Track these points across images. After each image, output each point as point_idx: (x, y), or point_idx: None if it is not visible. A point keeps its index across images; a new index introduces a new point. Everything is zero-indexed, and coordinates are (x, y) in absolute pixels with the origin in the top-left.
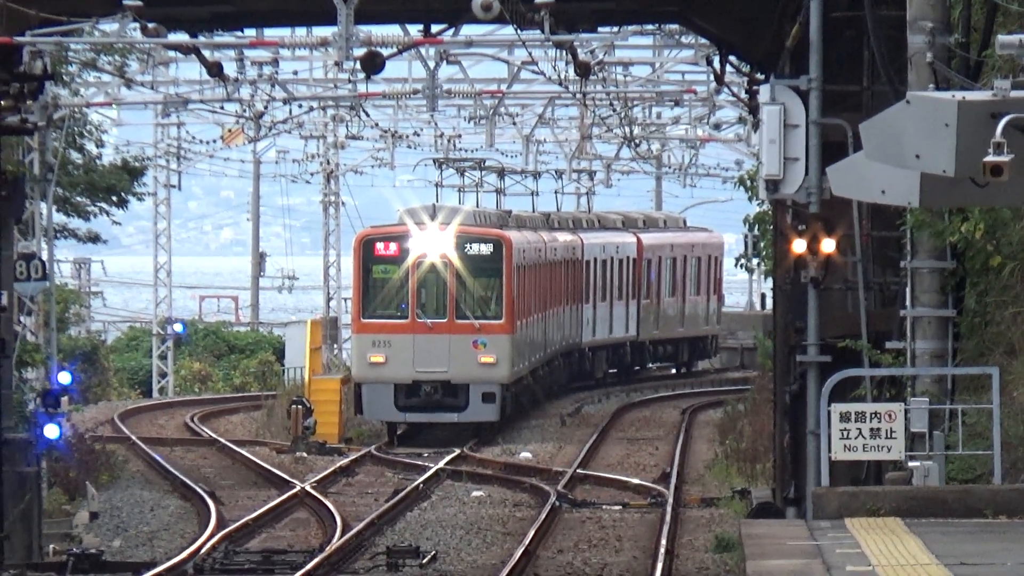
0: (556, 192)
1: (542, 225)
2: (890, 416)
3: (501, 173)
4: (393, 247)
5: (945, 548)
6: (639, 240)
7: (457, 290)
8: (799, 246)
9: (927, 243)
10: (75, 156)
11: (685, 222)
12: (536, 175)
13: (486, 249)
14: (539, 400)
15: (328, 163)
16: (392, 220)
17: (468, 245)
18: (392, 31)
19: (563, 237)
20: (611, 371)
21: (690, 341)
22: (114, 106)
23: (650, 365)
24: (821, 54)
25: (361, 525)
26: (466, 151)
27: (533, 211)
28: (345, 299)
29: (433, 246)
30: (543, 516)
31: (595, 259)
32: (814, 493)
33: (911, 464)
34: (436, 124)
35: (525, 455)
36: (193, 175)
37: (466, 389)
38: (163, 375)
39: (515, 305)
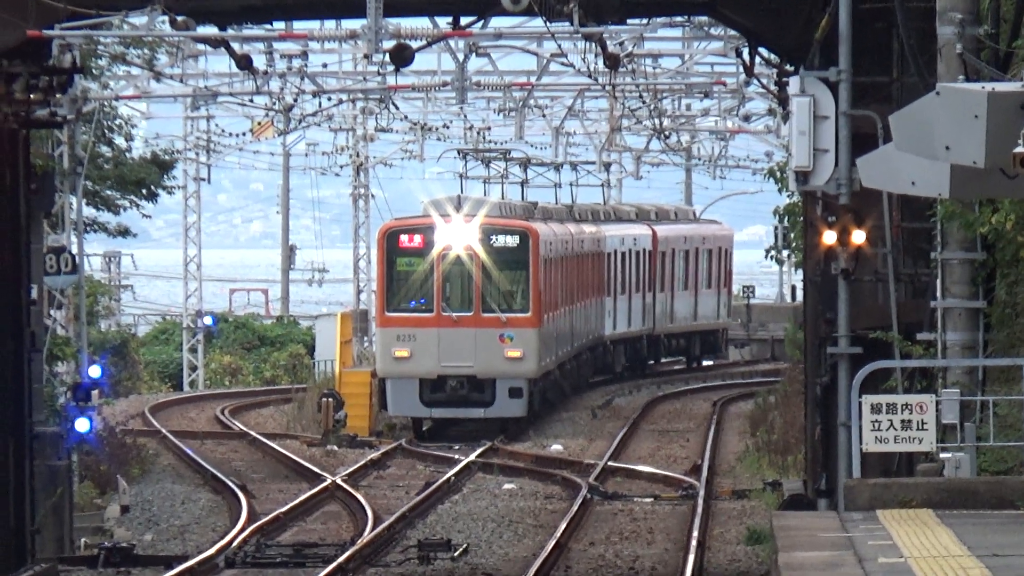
0: (571, 184)
1: (567, 217)
2: (921, 408)
3: (526, 164)
4: (418, 239)
5: (977, 539)
6: (654, 232)
7: (483, 283)
8: (829, 238)
9: (957, 234)
10: (104, 150)
11: (695, 214)
12: (559, 167)
13: (512, 241)
14: (566, 394)
15: (357, 155)
16: (418, 212)
17: (494, 237)
18: (421, 23)
19: (588, 229)
20: (626, 365)
21: (702, 334)
22: (143, 99)
23: (680, 357)
24: (851, 45)
25: (392, 518)
26: (495, 143)
27: (556, 203)
28: (375, 292)
29: (458, 238)
30: (575, 508)
31: (615, 251)
32: (846, 485)
33: (942, 456)
34: (465, 116)
35: (556, 448)
36: (222, 168)
37: (492, 384)
38: (193, 368)
39: (542, 298)
